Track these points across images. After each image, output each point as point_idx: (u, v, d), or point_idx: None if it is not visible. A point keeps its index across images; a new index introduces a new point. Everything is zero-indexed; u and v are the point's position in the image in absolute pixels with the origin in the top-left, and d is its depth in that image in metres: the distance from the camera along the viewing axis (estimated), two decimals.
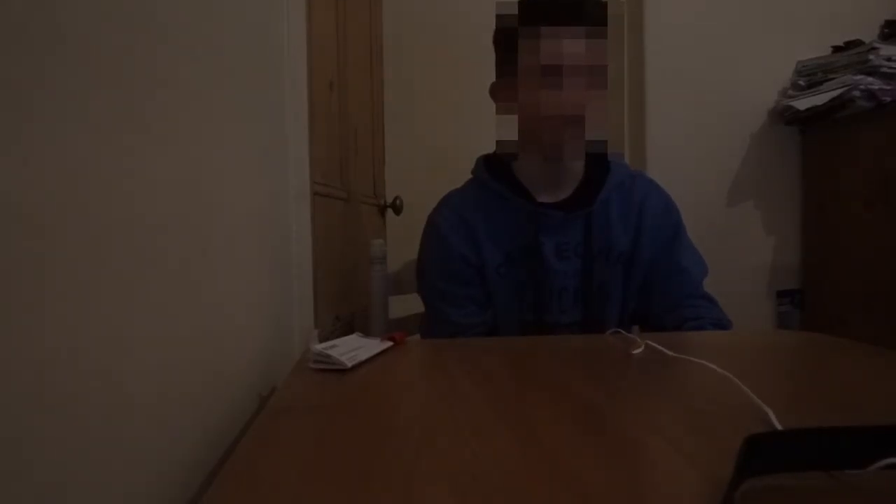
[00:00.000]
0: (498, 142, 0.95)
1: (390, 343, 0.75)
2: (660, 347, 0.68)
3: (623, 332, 0.81)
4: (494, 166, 1.03)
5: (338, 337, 0.74)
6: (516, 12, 0.91)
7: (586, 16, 0.89)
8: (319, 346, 0.67)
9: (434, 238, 1.03)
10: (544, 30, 0.89)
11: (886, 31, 1.86)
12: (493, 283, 0.99)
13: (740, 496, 0.32)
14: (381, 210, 1.78)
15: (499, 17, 0.93)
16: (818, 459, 0.35)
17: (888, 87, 1.65)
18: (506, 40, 0.93)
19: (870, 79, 1.66)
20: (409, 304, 1.21)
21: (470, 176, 1.07)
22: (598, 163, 1.02)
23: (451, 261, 1.00)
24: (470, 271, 0.99)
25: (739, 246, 1.94)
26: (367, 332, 0.80)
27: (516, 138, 0.93)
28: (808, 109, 1.78)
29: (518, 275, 0.99)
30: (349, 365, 0.64)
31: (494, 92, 0.99)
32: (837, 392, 0.57)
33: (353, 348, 0.69)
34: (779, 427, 0.42)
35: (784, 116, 1.90)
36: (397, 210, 1.73)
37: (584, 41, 0.89)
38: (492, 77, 0.99)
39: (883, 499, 0.34)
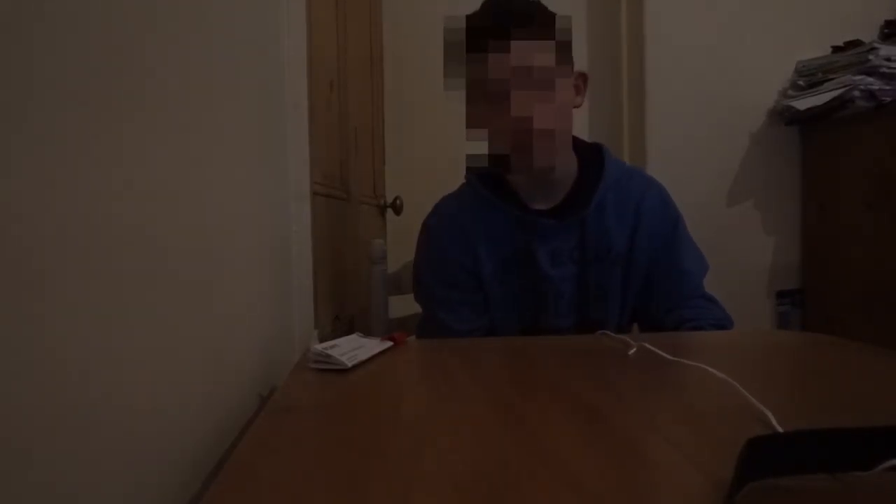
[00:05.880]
0: (468, 156, 0.92)
1: (390, 343, 0.75)
2: (656, 350, 0.68)
3: (610, 333, 0.80)
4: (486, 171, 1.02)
5: (338, 337, 0.74)
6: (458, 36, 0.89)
7: (512, 27, 0.86)
8: (319, 346, 0.66)
9: (429, 243, 1.03)
10: (469, 43, 0.88)
11: (886, 31, 1.86)
12: (489, 288, 0.98)
13: (742, 498, 0.32)
14: (381, 210, 1.78)
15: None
16: (820, 461, 0.35)
17: (888, 87, 1.65)
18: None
19: (870, 79, 1.66)
20: (409, 304, 1.20)
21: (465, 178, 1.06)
22: (591, 163, 1.01)
23: (447, 266, 0.99)
24: (465, 276, 0.99)
25: (739, 246, 1.94)
26: (367, 332, 0.80)
27: (486, 152, 0.91)
28: (808, 109, 1.78)
29: (513, 281, 0.98)
30: (349, 365, 0.64)
31: None
32: (838, 393, 0.56)
33: (353, 348, 0.69)
34: (779, 429, 0.42)
35: (784, 116, 1.90)
36: (397, 210, 1.73)
37: (508, 55, 0.86)
38: None
39: (887, 501, 0.34)
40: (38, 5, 0.29)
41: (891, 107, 1.63)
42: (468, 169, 0.97)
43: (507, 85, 0.87)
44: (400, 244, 1.43)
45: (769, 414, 0.44)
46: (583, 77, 0.97)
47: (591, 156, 1.01)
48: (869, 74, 1.67)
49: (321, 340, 0.76)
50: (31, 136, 0.29)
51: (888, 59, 1.67)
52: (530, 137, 0.88)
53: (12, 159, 0.27)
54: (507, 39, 0.87)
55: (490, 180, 1.00)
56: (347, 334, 0.76)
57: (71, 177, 0.32)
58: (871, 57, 1.68)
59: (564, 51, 0.91)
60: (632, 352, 0.69)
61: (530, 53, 0.87)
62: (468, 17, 0.89)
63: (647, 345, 0.70)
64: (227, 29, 0.61)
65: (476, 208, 1.00)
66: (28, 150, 0.28)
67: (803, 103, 1.80)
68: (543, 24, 0.89)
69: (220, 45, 0.58)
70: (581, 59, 1.38)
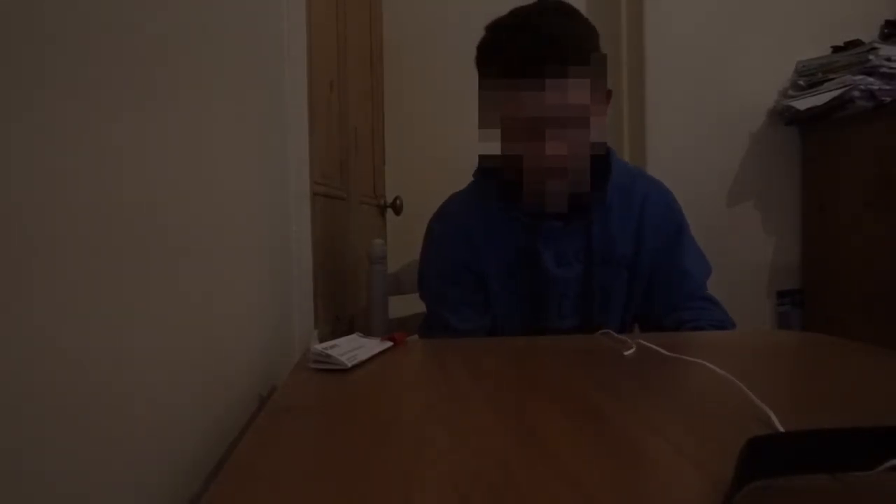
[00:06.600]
0: (480, 157, 0.94)
1: (390, 343, 0.75)
2: (655, 347, 0.68)
3: (612, 332, 0.80)
4: (492, 171, 1.02)
5: (338, 337, 0.74)
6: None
7: (553, 63, 0.85)
8: (319, 346, 0.66)
9: (434, 244, 1.03)
10: (505, 82, 0.87)
11: (886, 31, 1.87)
12: (493, 288, 0.99)
13: (742, 498, 0.32)
14: (381, 210, 1.78)
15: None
16: (821, 461, 0.35)
17: (888, 87, 1.65)
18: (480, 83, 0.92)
19: (870, 79, 1.66)
20: (409, 304, 1.20)
21: (472, 177, 1.06)
22: (598, 165, 1.00)
23: (451, 266, 1.00)
24: (469, 277, 0.99)
25: (739, 246, 1.94)
26: (367, 332, 0.80)
27: (499, 152, 0.93)
28: (808, 109, 1.78)
29: (517, 281, 0.98)
30: (349, 365, 0.64)
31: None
32: (838, 392, 0.56)
33: (353, 348, 0.69)
34: (780, 428, 0.42)
35: (784, 116, 1.90)
36: (397, 210, 1.73)
37: (544, 93, 0.86)
38: None
39: (887, 501, 0.34)
40: (39, 4, 0.29)
41: (891, 107, 1.63)
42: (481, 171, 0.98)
43: (542, 123, 0.87)
44: (400, 244, 1.43)
45: (770, 413, 0.44)
46: (607, 93, 0.96)
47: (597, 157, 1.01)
48: (869, 74, 1.67)
49: (321, 340, 0.76)
50: (30, 135, 0.29)
51: (888, 59, 1.67)
52: (565, 175, 0.90)
53: (12, 159, 0.27)
54: (541, 77, 0.86)
55: (499, 180, 1.00)
56: (347, 334, 0.76)
57: (69, 177, 0.32)
58: (871, 57, 1.68)
59: (600, 89, 0.91)
60: (630, 351, 0.69)
61: (565, 92, 0.87)
62: (505, 43, 0.89)
63: (646, 342, 0.70)
64: (227, 29, 0.61)
65: (481, 209, 1.00)
66: (27, 149, 0.28)
67: (803, 103, 1.80)
68: (579, 62, 0.88)
69: (220, 44, 0.58)
70: None
